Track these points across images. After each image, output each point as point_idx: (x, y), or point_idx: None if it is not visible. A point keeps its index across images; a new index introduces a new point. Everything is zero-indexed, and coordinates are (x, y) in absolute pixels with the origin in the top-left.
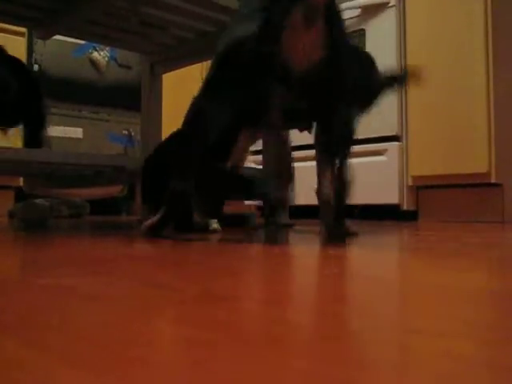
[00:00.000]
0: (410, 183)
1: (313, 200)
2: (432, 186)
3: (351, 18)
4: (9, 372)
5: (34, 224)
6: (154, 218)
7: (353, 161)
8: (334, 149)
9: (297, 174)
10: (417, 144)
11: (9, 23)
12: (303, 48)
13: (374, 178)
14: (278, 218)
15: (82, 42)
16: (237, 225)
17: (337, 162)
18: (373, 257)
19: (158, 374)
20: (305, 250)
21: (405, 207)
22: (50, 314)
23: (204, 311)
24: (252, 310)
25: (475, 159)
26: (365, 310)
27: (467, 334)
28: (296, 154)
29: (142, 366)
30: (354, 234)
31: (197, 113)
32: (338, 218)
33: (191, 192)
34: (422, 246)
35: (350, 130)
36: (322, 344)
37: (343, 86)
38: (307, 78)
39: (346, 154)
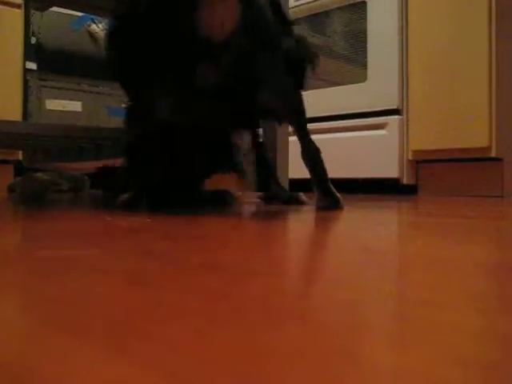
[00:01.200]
0: (410, 157)
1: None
2: (432, 161)
3: None
4: (8, 341)
5: (33, 198)
6: (129, 193)
7: (353, 134)
8: (285, 120)
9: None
10: (417, 118)
11: None
12: (217, 18)
13: (374, 151)
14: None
15: (80, 13)
16: (213, 203)
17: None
18: (372, 231)
19: (157, 345)
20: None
21: (404, 181)
22: (48, 284)
23: (204, 280)
24: (250, 279)
25: (476, 134)
26: (363, 282)
27: (467, 305)
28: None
29: (141, 337)
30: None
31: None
32: (322, 186)
33: (165, 165)
34: (421, 220)
35: (292, 102)
36: (319, 314)
37: (266, 56)
38: (226, 50)
39: (300, 125)
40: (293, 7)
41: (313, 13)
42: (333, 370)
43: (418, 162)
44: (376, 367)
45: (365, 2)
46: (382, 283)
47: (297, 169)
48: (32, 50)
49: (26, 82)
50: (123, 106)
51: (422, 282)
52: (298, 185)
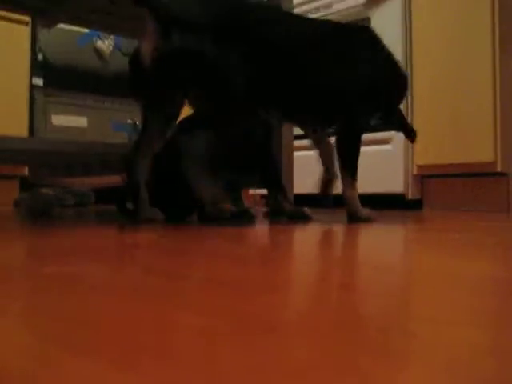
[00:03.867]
0: (415, 172)
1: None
2: (437, 176)
3: (356, 6)
4: (12, 358)
5: (39, 213)
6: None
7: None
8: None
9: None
10: (422, 133)
11: (12, 11)
12: None
13: (379, 166)
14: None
15: (87, 30)
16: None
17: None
18: (378, 246)
19: (161, 361)
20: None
21: (410, 196)
22: (54, 301)
23: (207, 297)
24: (254, 296)
25: (481, 148)
26: (371, 298)
27: (475, 322)
28: (296, 143)
29: (147, 354)
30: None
31: None
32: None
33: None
34: (427, 235)
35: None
36: (329, 332)
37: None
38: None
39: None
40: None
41: None
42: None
43: (423, 177)
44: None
45: (369, 18)
46: (390, 299)
47: (301, 184)
48: (39, 66)
49: (32, 98)
50: (128, 121)
51: (428, 297)
52: (302, 199)
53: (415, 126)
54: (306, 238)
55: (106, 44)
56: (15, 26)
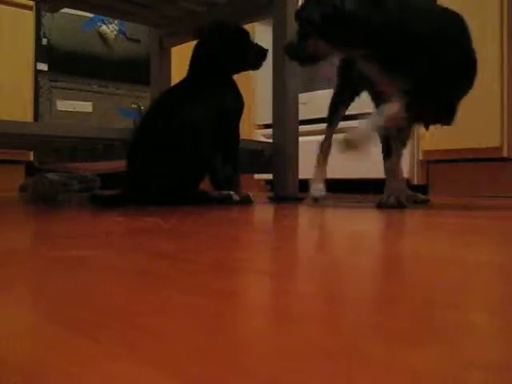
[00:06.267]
0: (421, 157)
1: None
2: (443, 161)
3: None
4: (19, 339)
5: (44, 198)
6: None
7: None
8: None
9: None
10: None
11: None
12: None
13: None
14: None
15: (91, 15)
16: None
17: None
18: (385, 232)
19: (168, 344)
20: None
21: (415, 182)
22: (61, 284)
23: (213, 281)
24: (261, 280)
25: (487, 133)
26: (378, 284)
27: (481, 306)
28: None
29: (151, 336)
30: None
31: None
32: None
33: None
34: (433, 220)
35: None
36: (334, 315)
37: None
38: None
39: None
40: None
41: None
42: (347, 370)
43: (428, 162)
44: (391, 367)
45: None
46: (396, 284)
47: (306, 169)
48: (43, 52)
49: (37, 83)
50: (133, 106)
51: (435, 282)
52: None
53: None
54: (309, 220)
55: (110, 29)
56: (19, 10)
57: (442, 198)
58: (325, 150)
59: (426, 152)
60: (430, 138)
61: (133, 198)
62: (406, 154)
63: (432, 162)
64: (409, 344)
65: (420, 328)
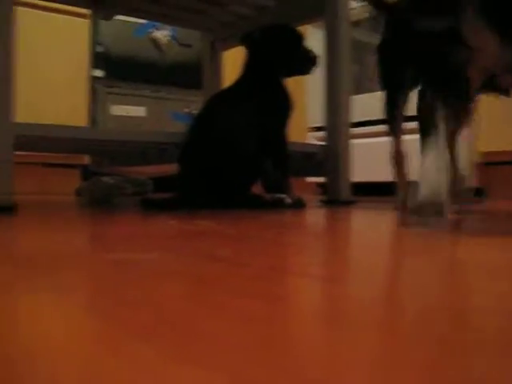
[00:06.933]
0: (477, 159)
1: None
2: (502, 163)
3: None
4: (79, 343)
5: (100, 201)
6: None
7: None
8: None
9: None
10: (487, 118)
11: (72, 5)
12: None
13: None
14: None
15: (143, 21)
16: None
17: None
18: (445, 232)
19: (222, 348)
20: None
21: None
22: (118, 287)
23: (268, 285)
24: (316, 284)
25: None
26: (443, 291)
27: (500, 309)
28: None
29: (206, 340)
30: None
31: None
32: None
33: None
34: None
35: None
36: (395, 324)
37: None
38: None
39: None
40: (354, 8)
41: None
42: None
43: (486, 165)
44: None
45: None
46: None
47: (360, 172)
48: (99, 58)
49: (93, 89)
50: (185, 110)
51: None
52: (361, 188)
53: (479, 111)
54: (363, 226)
55: (162, 34)
56: (75, 19)
57: (501, 204)
58: (400, 163)
59: (484, 154)
60: (487, 139)
61: (185, 202)
62: (463, 155)
63: (490, 163)
64: (478, 355)
65: (494, 341)
